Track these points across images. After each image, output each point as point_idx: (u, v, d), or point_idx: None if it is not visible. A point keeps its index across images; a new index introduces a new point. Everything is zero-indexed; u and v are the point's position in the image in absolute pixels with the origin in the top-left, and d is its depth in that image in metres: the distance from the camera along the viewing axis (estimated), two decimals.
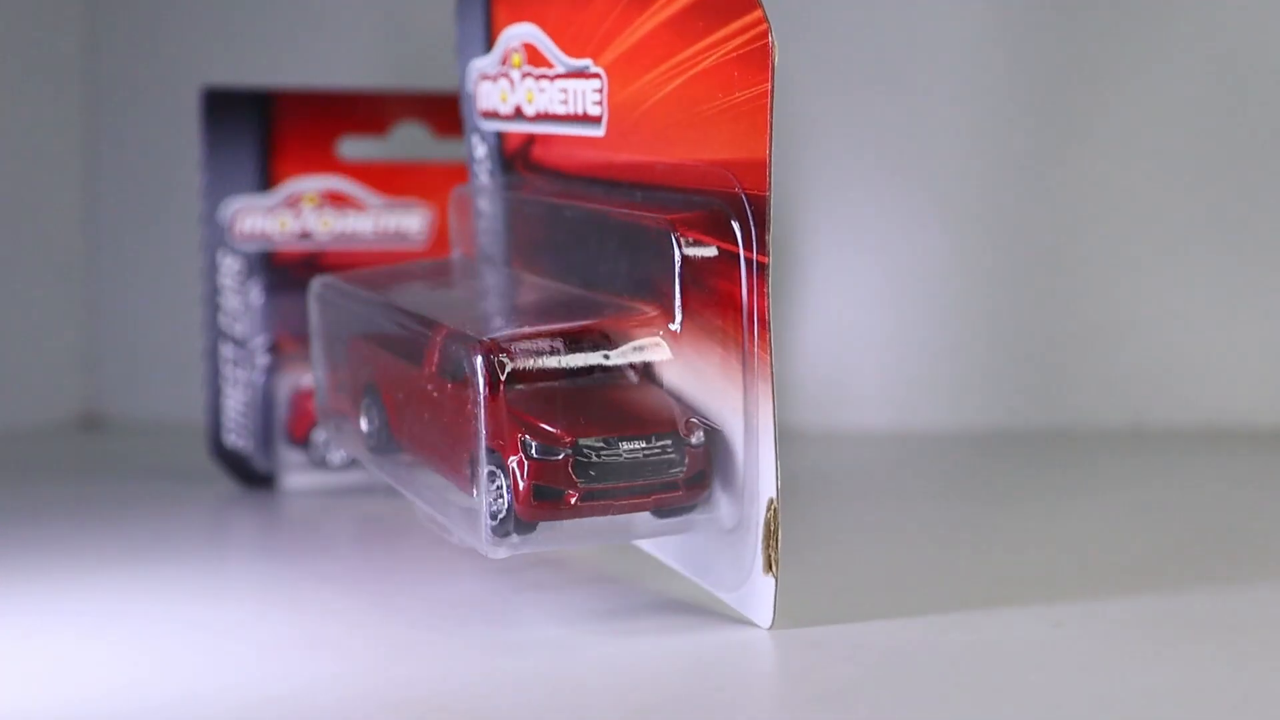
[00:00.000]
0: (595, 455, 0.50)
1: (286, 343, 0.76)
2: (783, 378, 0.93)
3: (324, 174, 0.77)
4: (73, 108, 0.98)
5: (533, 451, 0.49)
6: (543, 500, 0.49)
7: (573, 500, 0.50)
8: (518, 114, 0.62)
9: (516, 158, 0.63)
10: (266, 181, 0.77)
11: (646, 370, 0.53)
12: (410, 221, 0.78)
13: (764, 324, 0.49)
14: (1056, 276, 0.92)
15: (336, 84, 0.88)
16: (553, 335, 0.52)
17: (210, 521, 0.72)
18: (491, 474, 0.50)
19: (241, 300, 0.76)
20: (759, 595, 0.50)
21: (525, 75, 0.61)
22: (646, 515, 0.51)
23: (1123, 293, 0.92)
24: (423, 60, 0.93)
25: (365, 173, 0.78)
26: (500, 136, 0.64)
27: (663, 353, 0.52)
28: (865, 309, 0.94)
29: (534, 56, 0.60)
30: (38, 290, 0.97)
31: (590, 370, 0.52)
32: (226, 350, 0.77)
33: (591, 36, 0.56)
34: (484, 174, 0.66)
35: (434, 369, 0.53)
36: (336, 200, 0.77)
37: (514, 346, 0.51)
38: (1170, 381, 0.91)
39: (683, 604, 0.54)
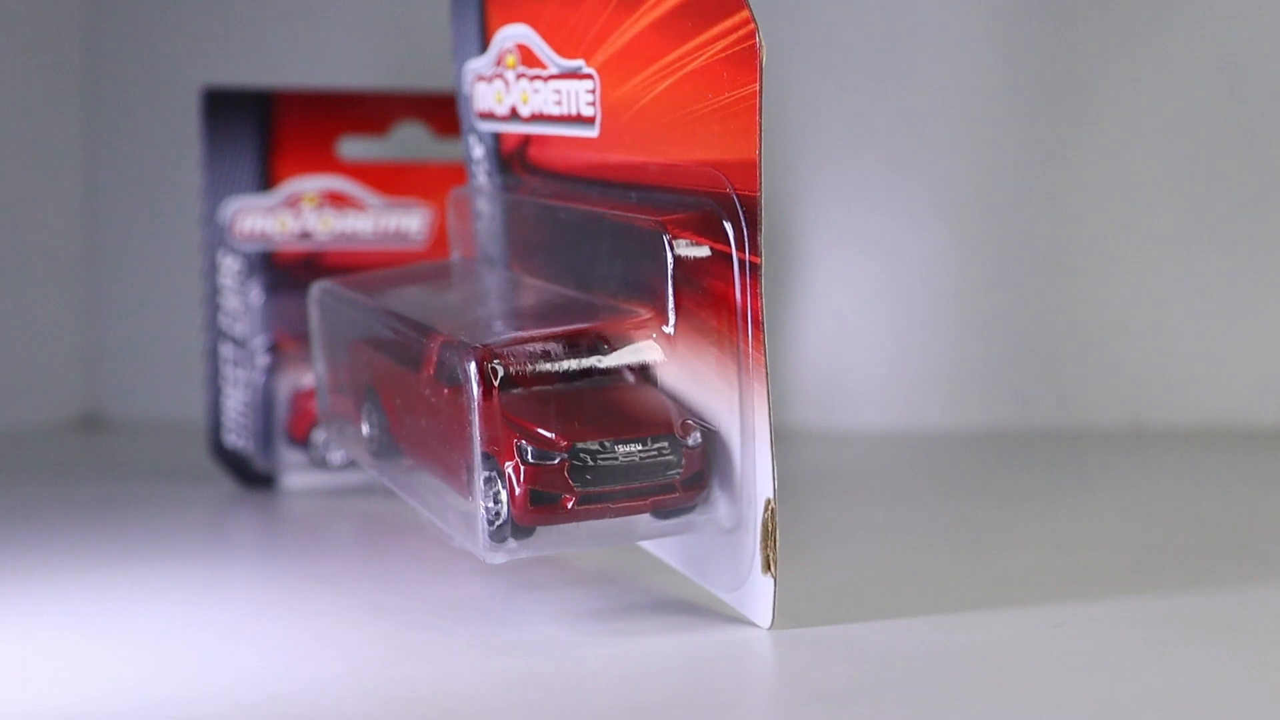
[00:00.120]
0: (592, 459, 0.50)
1: (286, 343, 0.76)
2: (783, 377, 0.93)
3: (324, 174, 0.77)
4: (73, 108, 0.98)
5: (528, 456, 0.49)
6: (539, 505, 0.49)
7: (570, 504, 0.50)
8: (513, 115, 0.62)
9: (513, 158, 0.63)
10: (266, 181, 0.77)
11: (643, 372, 0.53)
12: (410, 221, 0.78)
13: (758, 324, 0.49)
14: (1056, 277, 0.93)
15: (336, 84, 0.88)
16: (546, 340, 0.52)
17: (210, 521, 0.72)
18: (489, 479, 0.50)
19: (241, 300, 0.76)
20: (758, 595, 0.50)
21: (520, 76, 0.61)
22: (645, 517, 0.51)
23: (1123, 293, 0.92)
24: (423, 60, 0.93)
25: (365, 173, 0.78)
26: (497, 137, 0.64)
27: (657, 355, 0.52)
28: (865, 309, 0.94)
29: (528, 57, 0.60)
30: (38, 290, 0.97)
31: (598, 373, 0.52)
32: (226, 350, 0.77)
33: (584, 37, 0.56)
34: (482, 175, 0.66)
35: (431, 374, 0.53)
36: (336, 200, 0.77)
37: (507, 352, 0.51)
38: (1170, 381, 0.91)
39: (682, 603, 0.54)
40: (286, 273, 0.77)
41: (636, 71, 0.53)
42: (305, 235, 0.77)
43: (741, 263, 0.50)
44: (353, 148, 0.81)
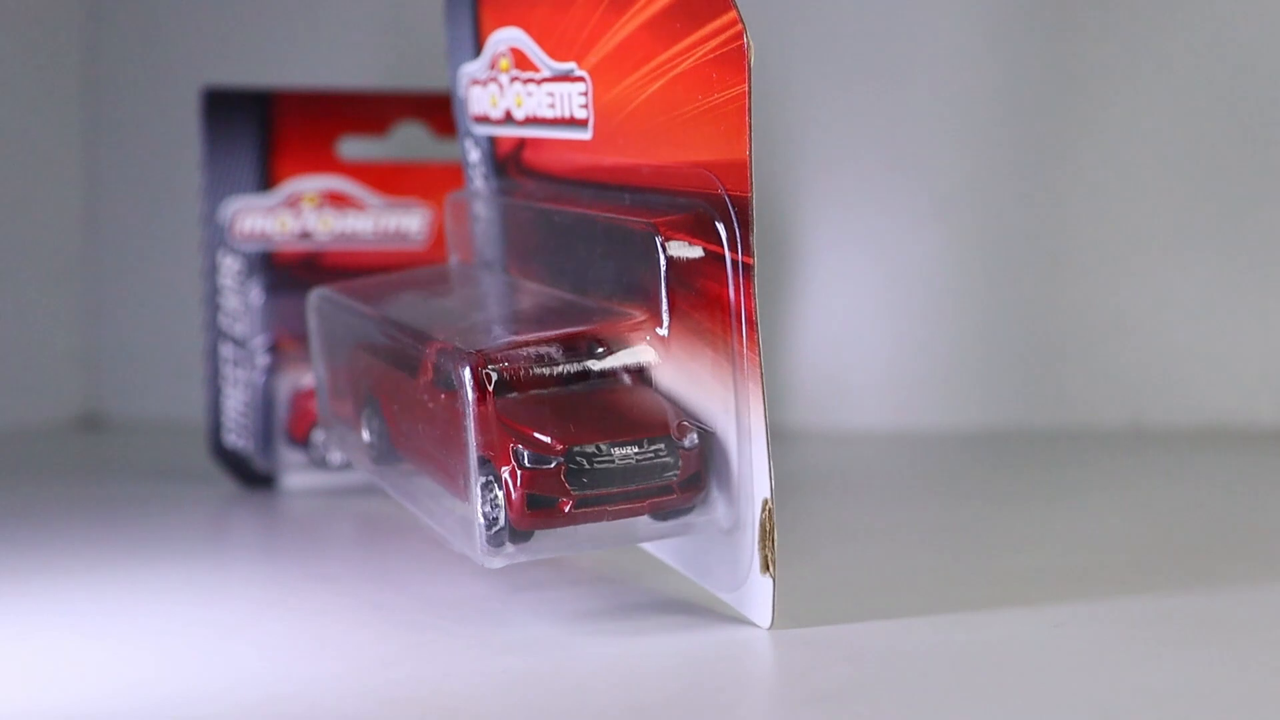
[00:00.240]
0: (588, 462, 0.50)
1: (286, 343, 0.76)
2: (783, 377, 0.93)
3: (324, 174, 0.77)
4: (73, 108, 0.98)
5: (525, 460, 0.49)
6: (537, 509, 0.49)
7: (567, 508, 0.50)
8: (508, 118, 0.62)
9: (509, 162, 0.63)
10: (266, 181, 0.77)
11: (639, 374, 0.53)
12: (410, 221, 0.78)
13: (752, 324, 0.49)
14: (1056, 276, 0.93)
15: (336, 84, 0.88)
16: (540, 344, 0.52)
17: (210, 521, 0.72)
18: (487, 484, 0.50)
19: (241, 300, 0.76)
20: (758, 595, 0.50)
21: (514, 79, 0.61)
22: (644, 519, 0.51)
23: (1123, 293, 0.92)
24: (423, 60, 0.93)
25: (365, 173, 0.78)
26: (492, 141, 0.64)
27: (651, 357, 0.52)
28: (865, 309, 0.94)
29: (521, 60, 0.60)
30: (38, 290, 0.97)
31: (592, 376, 0.52)
32: (226, 350, 0.77)
33: (575, 40, 0.56)
34: (478, 179, 0.66)
35: (429, 380, 0.53)
36: (336, 200, 0.77)
37: (501, 356, 0.51)
38: (1170, 381, 0.91)
39: (682, 603, 0.54)
40: (286, 273, 0.77)
41: (628, 73, 0.53)
42: (305, 235, 0.77)
43: (734, 263, 0.50)
44: (353, 148, 0.81)
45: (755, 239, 0.49)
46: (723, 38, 0.49)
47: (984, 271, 0.93)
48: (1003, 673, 0.46)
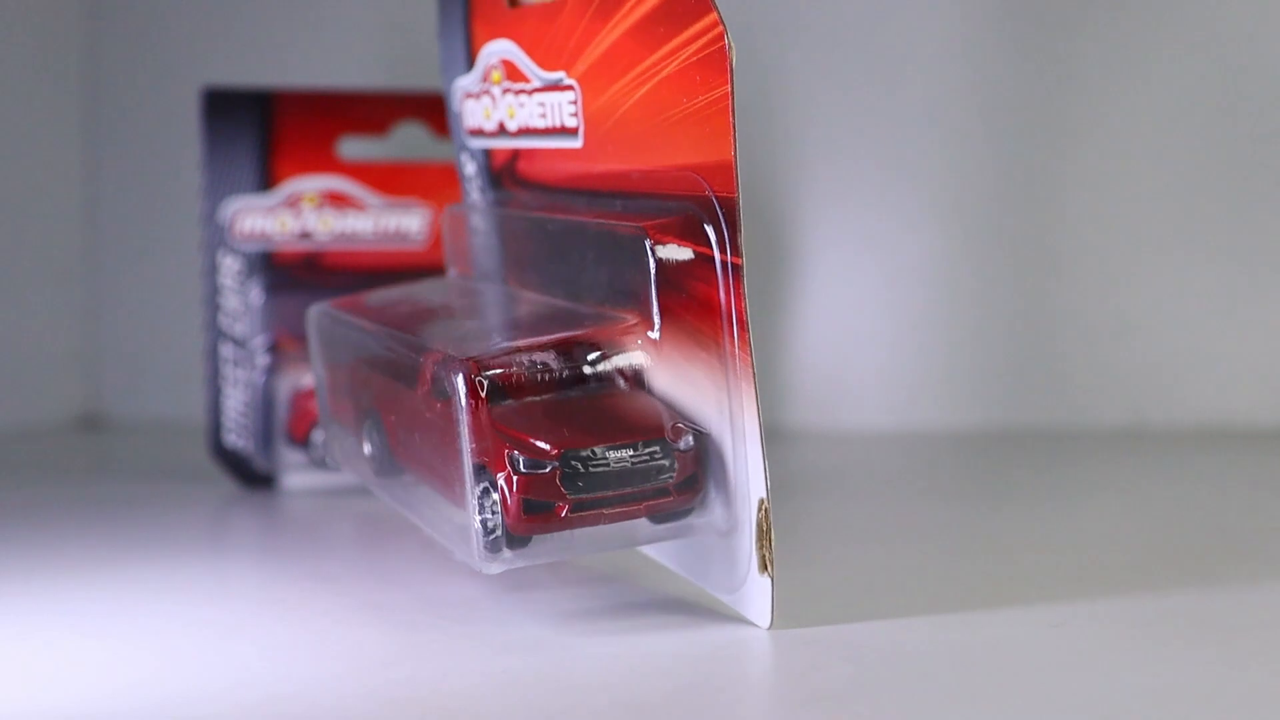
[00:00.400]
0: (583, 466, 0.50)
1: (286, 343, 0.76)
2: (783, 377, 0.93)
3: (324, 174, 0.77)
4: (73, 108, 0.98)
5: (520, 466, 0.49)
6: (533, 514, 0.49)
7: (563, 512, 0.50)
8: (501, 130, 0.62)
9: (504, 173, 0.63)
10: (266, 181, 0.77)
11: (633, 378, 0.53)
12: (410, 221, 0.78)
13: (743, 324, 0.49)
14: (1056, 276, 0.93)
15: (336, 84, 0.88)
16: (532, 349, 0.52)
17: (210, 521, 0.72)
18: (485, 490, 0.50)
19: (241, 300, 0.76)
20: (757, 596, 0.50)
21: (506, 91, 0.61)
22: (642, 522, 0.51)
23: (1123, 293, 0.92)
24: (423, 60, 0.93)
25: (365, 173, 0.78)
26: (487, 153, 0.64)
27: (643, 359, 0.52)
28: (864, 309, 0.94)
29: (512, 72, 0.60)
30: (38, 291, 0.97)
31: (586, 381, 0.52)
32: (226, 350, 0.77)
33: (563, 49, 0.56)
34: (475, 191, 0.66)
35: (427, 390, 0.53)
36: (336, 200, 0.77)
37: (494, 363, 0.51)
38: (1170, 381, 0.91)
39: (681, 603, 0.54)
40: (286, 273, 0.77)
41: (614, 80, 0.54)
42: (305, 235, 0.77)
43: (724, 264, 0.50)
44: (353, 148, 0.81)
45: (744, 239, 0.49)
46: (704, 40, 0.49)
47: (984, 271, 0.93)
48: (1003, 673, 0.46)
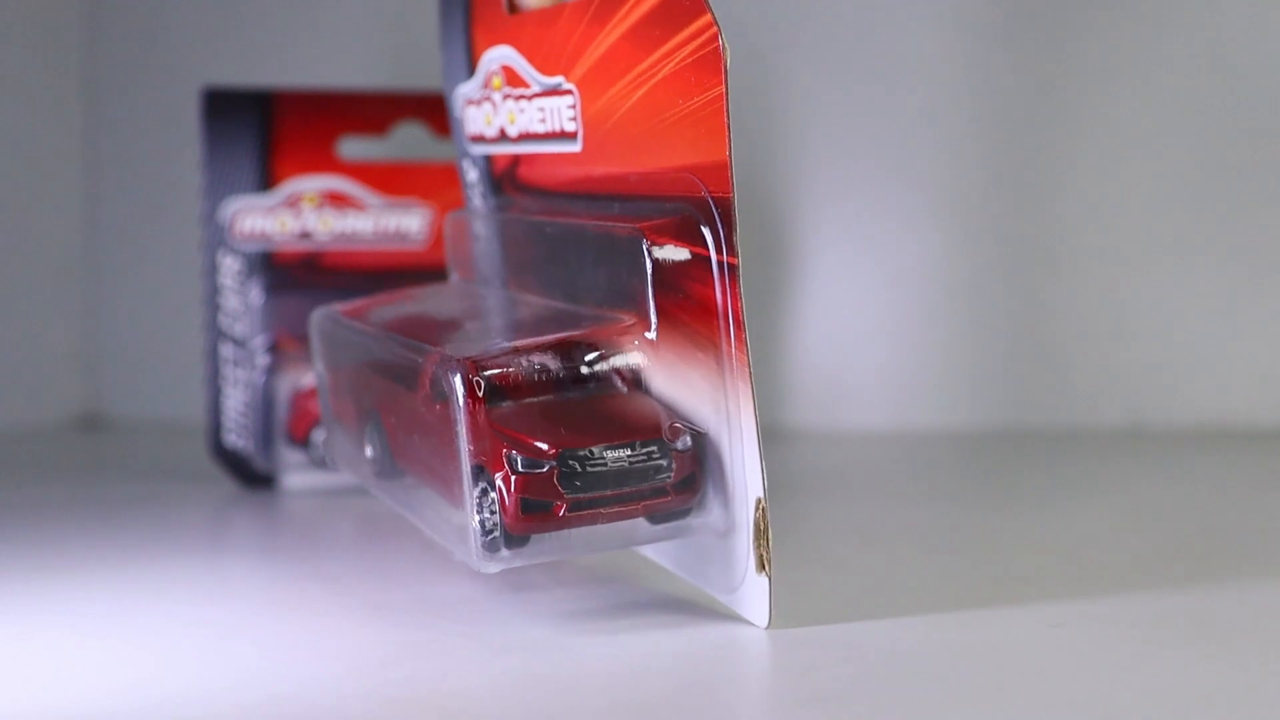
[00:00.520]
0: (580, 465, 0.50)
1: (286, 343, 0.76)
2: (783, 378, 0.93)
3: (324, 174, 0.77)
4: (73, 108, 0.99)
5: (518, 465, 0.50)
6: (531, 513, 0.50)
7: (561, 511, 0.50)
8: (502, 136, 0.62)
9: (505, 179, 0.64)
10: (266, 181, 0.77)
11: (630, 378, 0.53)
12: (410, 221, 0.78)
13: (739, 324, 0.49)
14: (1056, 276, 0.93)
15: (336, 84, 0.88)
16: (529, 350, 0.52)
17: (210, 521, 0.72)
18: (483, 490, 0.50)
19: (241, 300, 0.76)
20: (755, 595, 0.50)
21: (506, 97, 0.61)
22: (640, 522, 0.51)
23: (1122, 293, 0.92)
24: (423, 60, 0.93)
25: (365, 173, 0.78)
26: (489, 160, 0.64)
27: (639, 360, 0.53)
28: (864, 309, 0.94)
29: (512, 78, 0.60)
30: (38, 290, 0.97)
31: (584, 381, 0.52)
32: (226, 350, 0.77)
33: (561, 53, 0.57)
34: (477, 198, 0.66)
35: (427, 392, 0.54)
36: (336, 200, 0.77)
37: (491, 364, 0.51)
38: (1170, 381, 0.91)
39: (680, 603, 0.54)
40: (286, 273, 0.77)
41: (612, 83, 0.54)
42: (305, 235, 0.77)
43: (720, 264, 0.50)
44: (353, 148, 0.81)
45: (742, 239, 0.49)
46: (699, 41, 0.49)
47: (984, 272, 0.93)
48: (1002, 673, 0.46)
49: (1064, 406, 0.92)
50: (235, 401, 0.76)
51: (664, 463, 0.51)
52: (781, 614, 0.51)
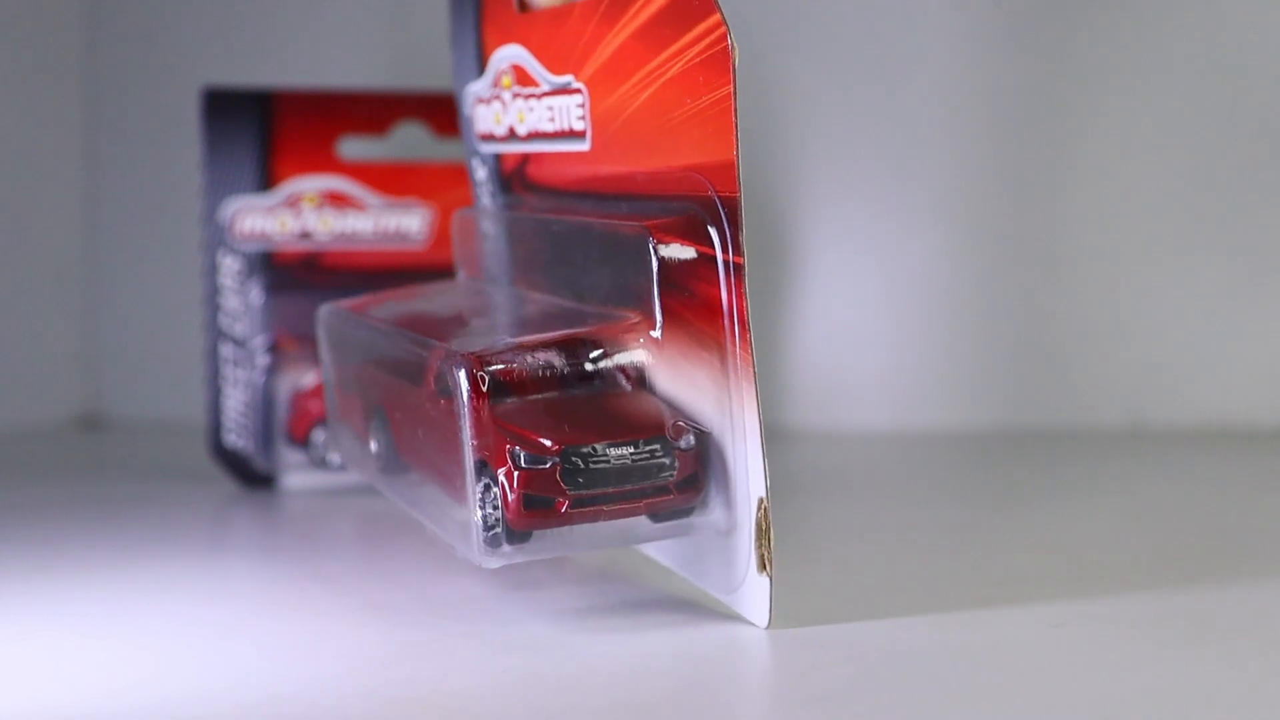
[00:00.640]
0: (583, 462, 0.50)
1: (286, 343, 0.76)
2: (783, 377, 0.93)
3: (324, 174, 0.77)
4: (73, 108, 0.98)
5: (521, 461, 0.50)
6: (533, 509, 0.50)
7: (563, 507, 0.50)
8: (511, 135, 0.62)
9: (513, 178, 0.64)
10: (266, 181, 0.77)
11: (635, 376, 0.53)
12: (410, 221, 0.78)
13: (744, 324, 0.49)
14: (1056, 276, 0.93)
15: (336, 84, 0.88)
16: (534, 347, 0.52)
17: (210, 521, 0.72)
18: (486, 486, 0.50)
19: (241, 300, 0.76)
20: (755, 595, 0.50)
21: (516, 96, 0.61)
22: (642, 520, 0.51)
23: (1122, 293, 0.92)
24: (423, 60, 0.93)
25: (365, 173, 0.78)
26: (498, 158, 0.64)
27: (644, 358, 0.53)
28: (864, 309, 0.94)
29: (522, 77, 0.60)
30: (38, 290, 0.97)
31: (588, 378, 0.52)
32: (226, 350, 0.77)
33: (571, 52, 0.57)
34: (486, 196, 0.66)
35: (432, 387, 0.54)
36: (336, 200, 0.77)
37: (496, 359, 0.51)
38: (1170, 381, 0.91)
39: (680, 602, 0.54)
40: (286, 273, 0.77)
41: (621, 83, 0.54)
42: (305, 235, 0.77)
43: (726, 264, 0.50)
44: (353, 148, 0.81)
45: (746, 239, 0.49)
46: (708, 40, 0.49)
47: (984, 271, 0.93)
48: (1002, 673, 0.46)
49: (1064, 406, 0.92)
50: (235, 401, 0.76)
51: (667, 461, 0.51)
52: (781, 614, 0.51)
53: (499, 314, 0.61)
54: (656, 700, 0.45)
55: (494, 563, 0.50)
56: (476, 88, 0.64)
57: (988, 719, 0.43)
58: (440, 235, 0.78)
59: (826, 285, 0.94)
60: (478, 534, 0.50)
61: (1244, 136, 0.91)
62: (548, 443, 0.50)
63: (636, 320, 0.53)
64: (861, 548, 0.64)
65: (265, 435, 0.76)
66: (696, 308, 0.51)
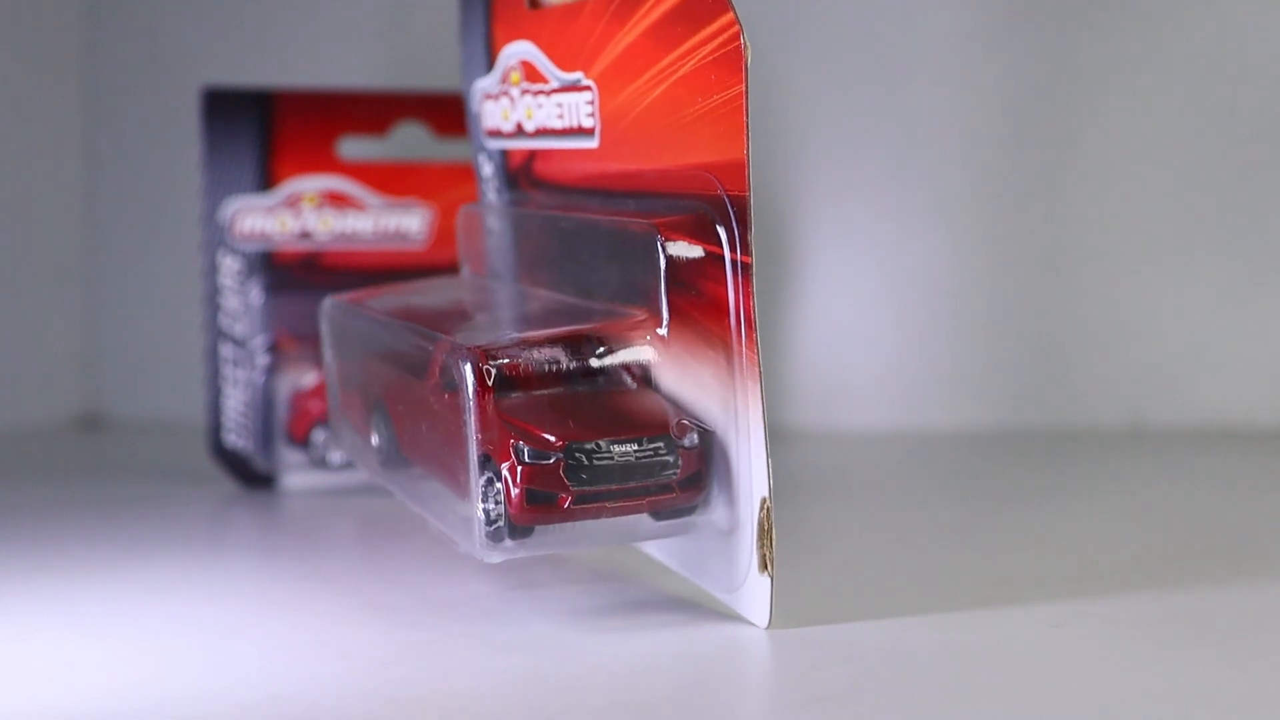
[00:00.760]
0: (587, 458, 0.50)
1: (286, 343, 0.76)
2: (783, 377, 0.93)
3: (324, 174, 0.77)
4: (73, 108, 0.98)
5: (524, 456, 0.50)
6: (535, 504, 0.50)
7: (566, 504, 0.50)
8: (519, 131, 0.62)
9: (520, 174, 0.64)
10: (266, 181, 0.77)
11: (644, 374, 0.53)
12: (410, 221, 0.78)
13: (750, 323, 0.49)
14: (1056, 277, 0.93)
15: (336, 84, 0.88)
16: (540, 342, 0.52)
17: (210, 521, 0.72)
18: (489, 480, 0.50)
19: (241, 300, 0.76)
20: (756, 595, 0.50)
21: (524, 92, 0.61)
22: (644, 518, 0.51)
23: (1123, 293, 0.92)
24: (424, 60, 0.93)
25: (365, 173, 0.78)
26: (505, 154, 0.64)
27: (649, 355, 0.53)
28: (865, 309, 0.94)
29: (531, 73, 0.60)
30: (38, 291, 0.97)
31: (593, 375, 0.52)
32: (226, 350, 0.77)
33: (581, 49, 0.57)
34: (491, 192, 0.66)
35: (435, 381, 0.54)
36: (336, 200, 0.77)
37: (501, 354, 0.51)
38: (1170, 381, 0.91)
39: (680, 602, 0.54)
40: (286, 273, 0.77)
41: (632, 80, 0.54)
42: (305, 235, 0.77)
43: (733, 263, 0.50)
44: (353, 148, 0.81)
45: (754, 239, 0.49)
46: (720, 39, 0.49)
47: (984, 271, 0.93)
48: (1002, 673, 0.46)
49: (1064, 406, 0.92)
50: (235, 401, 0.76)
51: (670, 459, 0.51)
52: (782, 614, 0.51)
53: (504, 309, 0.61)
54: (656, 700, 0.45)
55: (496, 557, 0.50)
56: (485, 83, 0.64)
57: (987, 719, 0.43)
58: (440, 235, 0.78)
59: (827, 285, 0.94)
60: (480, 528, 0.50)
61: (1244, 136, 0.91)
62: (552, 438, 0.50)
63: (643, 318, 0.53)
64: (861, 548, 0.64)
65: (265, 435, 0.76)
66: (703, 306, 0.51)
